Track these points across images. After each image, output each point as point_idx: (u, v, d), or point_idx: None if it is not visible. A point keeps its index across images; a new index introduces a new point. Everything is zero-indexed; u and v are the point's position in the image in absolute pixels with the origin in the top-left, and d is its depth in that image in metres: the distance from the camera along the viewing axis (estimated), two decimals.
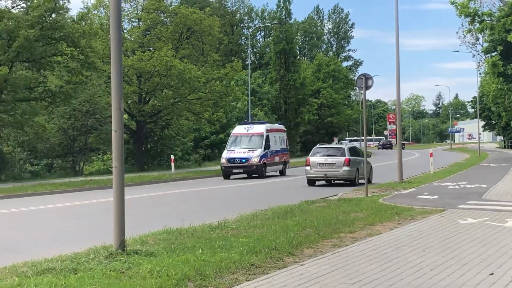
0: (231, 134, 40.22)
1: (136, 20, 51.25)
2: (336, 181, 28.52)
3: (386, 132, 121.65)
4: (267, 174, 37.36)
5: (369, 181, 26.35)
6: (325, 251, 9.58)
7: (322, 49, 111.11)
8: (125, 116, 46.26)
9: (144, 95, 48.30)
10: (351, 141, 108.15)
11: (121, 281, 7.14)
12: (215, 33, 51.35)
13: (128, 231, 9.27)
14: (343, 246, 10.03)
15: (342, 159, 27.36)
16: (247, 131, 38.77)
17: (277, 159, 39.03)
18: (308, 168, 27.99)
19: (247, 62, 64.98)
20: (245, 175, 36.71)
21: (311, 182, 28.38)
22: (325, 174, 27.65)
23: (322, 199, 19.57)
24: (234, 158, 36.45)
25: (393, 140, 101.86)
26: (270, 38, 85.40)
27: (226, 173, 36.59)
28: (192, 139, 58.06)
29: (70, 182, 31.07)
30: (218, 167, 50.25)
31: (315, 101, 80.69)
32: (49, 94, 38.92)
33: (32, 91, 38.50)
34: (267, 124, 40.78)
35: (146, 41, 49.19)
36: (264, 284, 7.32)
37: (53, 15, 36.39)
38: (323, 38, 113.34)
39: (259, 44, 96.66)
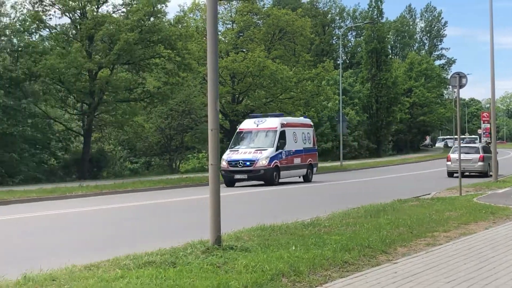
0: (237, 130, 32.64)
1: (230, 23, 51.83)
2: (471, 174, 32.61)
3: (479, 131, 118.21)
4: (283, 180, 30.13)
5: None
6: (418, 250, 9.42)
7: (414, 47, 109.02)
8: (220, 115, 46.82)
9: (237, 95, 48.79)
10: (443, 139, 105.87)
11: (217, 275, 7.24)
12: (307, 34, 51.30)
13: (223, 227, 9.37)
14: (437, 245, 9.83)
15: (477, 156, 32.46)
16: (257, 126, 30.73)
17: (297, 161, 31.25)
18: (449, 163, 32.59)
19: (338, 62, 64.55)
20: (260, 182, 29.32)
21: (451, 174, 32.37)
22: (463, 168, 30.38)
23: (415, 198, 19.25)
24: (236, 161, 28.88)
25: (486, 139, 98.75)
26: (362, 37, 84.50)
27: (228, 180, 28.95)
28: None
29: (167, 180, 31.76)
30: None
31: (407, 100, 79.29)
32: (148, 95, 39.97)
33: (131, 92, 39.61)
34: (284, 117, 32.84)
35: (240, 42, 49.65)
36: (357, 281, 7.27)
37: (152, 19, 37.30)
38: (415, 37, 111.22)
39: (350, 44, 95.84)
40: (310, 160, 32.40)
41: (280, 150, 29.64)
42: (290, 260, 8.02)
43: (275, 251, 8.73)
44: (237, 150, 29.78)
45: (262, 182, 29.19)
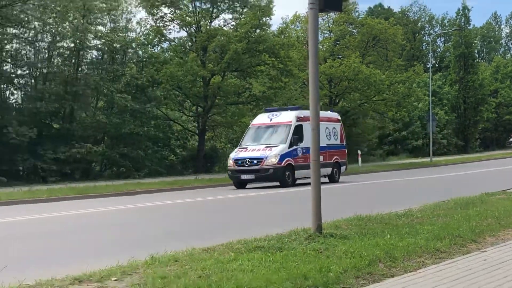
0: (250, 125, 26.93)
1: (328, 32, 51.68)
2: None
3: None
4: (301, 181, 24.53)
5: None
6: (506, 239, 9.05)
7: (500, 52, 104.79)
8: None
9: (334, 98, 48.58)
10: None
11: (319, 259, 7.21)
12: (399, 41, 50.49)
13: (323, 216, 9.33)
14: None
15: None
16: (270, 120, 25.22)
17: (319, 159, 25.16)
18: None
19: (428, 66, 63.03)
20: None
21: None
22: None
23: (502, 191, 18.50)
24: (243, 159, 23.70)
25: None
26: (450, 43, 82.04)
27: (236, 181, 24.19)
28: (376, 136, 57.38)
29: None
30: (400, 161, 49.29)
31: (493, 101, 76.31)
32: (254, 98, 40.43)
33: (240, 96, 40.22)
34: (301, 110, 25.89)
35: (336, 50, 49.48)
36: (449, 267, 7.08)
37: (257, 31, 37.69)
38: (500, 42, 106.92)
39: (439, 49, 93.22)
40: (336, 158, 26.76)
41: (294, 147, 24.14)
42: (385, 247, 7.90)
43: (371, 239, 8.61)
44: (246, 148, 24.51)
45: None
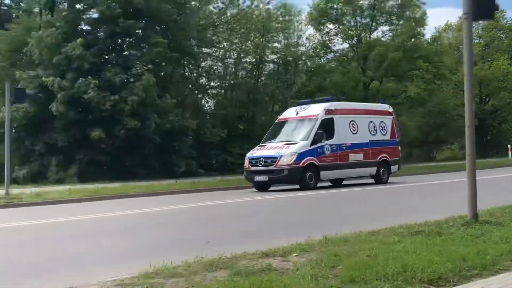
0: (276, 120, 21.22)
1: (477, 38, 49.01)
2: None
3: None
4: (347, 182, 20.67)
5: None
6: None
7: None
8: None
9: (484, 97, 46.00)
10: None
11: (476, 244, 6.86)
12: None
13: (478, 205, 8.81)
14: None
15: None
16: (296, 114, 19.66)
17: (357, 157, 19.58)
18: None
19: None
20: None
21: None
22: None
23: None
24: (257, 158, 18.56)
25: None
26: None
27: (254, 183, 18.94)
28: None
29: (427, 166, 30.82)
30: None
31: None
32: (409, 100, 39.32)
33: (396, 98, 39.29)
34: (335, 102, 20.21)
35: (486, 54, 46.77)
36: None
37: (412, 40, 36.60)
38: None
39: None
40: (383, 156, 20.47)
41: (319, 144, 18.49)
42: None
43: None
44: (265, 145, 19.30)
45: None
